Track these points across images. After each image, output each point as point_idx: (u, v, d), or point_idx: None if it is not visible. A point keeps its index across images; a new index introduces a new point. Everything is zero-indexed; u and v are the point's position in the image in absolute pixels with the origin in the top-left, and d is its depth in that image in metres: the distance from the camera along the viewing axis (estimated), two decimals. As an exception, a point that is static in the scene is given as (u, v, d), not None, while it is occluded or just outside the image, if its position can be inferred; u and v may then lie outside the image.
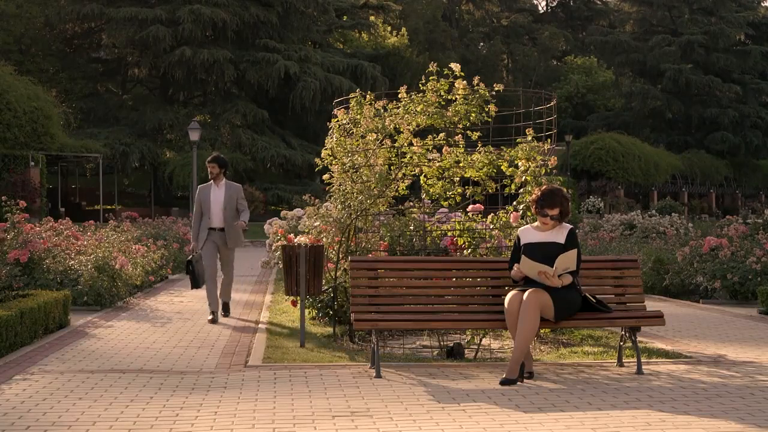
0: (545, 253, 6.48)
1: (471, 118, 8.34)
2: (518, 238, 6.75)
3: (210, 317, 9.90)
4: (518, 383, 6.17)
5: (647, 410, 5.38)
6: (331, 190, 8.88)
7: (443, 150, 8.62)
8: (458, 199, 8.77)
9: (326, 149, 8.87)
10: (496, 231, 8.40)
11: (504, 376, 6.20)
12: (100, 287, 10.73)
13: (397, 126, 8.48)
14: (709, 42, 58.12)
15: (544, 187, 6.88)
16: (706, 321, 10.04)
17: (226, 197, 10.14)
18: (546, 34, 67.91)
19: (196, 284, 9.94)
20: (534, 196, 6.80)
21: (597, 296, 6.83)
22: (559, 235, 6.60)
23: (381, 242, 8.70)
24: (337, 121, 8.79)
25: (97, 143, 39.51)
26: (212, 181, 10.33)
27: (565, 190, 6.98)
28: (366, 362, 7.05)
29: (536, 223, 6.76)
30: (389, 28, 59.19)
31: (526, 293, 6.33)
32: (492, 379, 6.34)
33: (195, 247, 10.11)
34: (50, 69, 47.98)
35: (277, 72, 45.43)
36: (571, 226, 6.72)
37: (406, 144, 8.63)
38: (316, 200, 10.11)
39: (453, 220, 9.22)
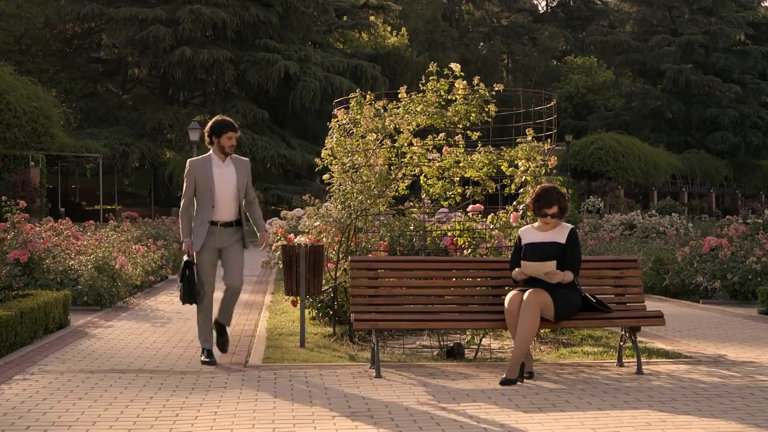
0: (546, 253, 6.49)
1: (471, 118, 8.34)
2: (519, 239, 6.75)
3: (204, 357, 7.07)
4: (518, 383, 6.17)
5: (647, 410, 5.38)
6: (331, 190, 8.87)
7: (443, 150, 8.62)
8: (458, 199, 8.77)
9: (326, 149, 8.86)
10: (496, 231, 8.40)
11: (504, 376, 6.20)
12: (100, 287, 10.73)
13: (397, 126, 8.48)
14: (709, 42, 58.14)
15: (538, 187, 6.87)
16: (706, 321, 10.04)
17: (239, 178, 7.14)
18: (546, 34, 67.94)
19: (191, 297, 7.05)
20: (530, 197, 6.80)
21: (597, 296, 6.84)
22: (560, 235, 6.60)
23: (381, 242, 8.70)
24: (337, 121, 8.79)
25: (97, 143, 39.51)
26: (211, 153, 7.19)
27: (564, 190, 6.98)
28: (366, 362, 7.05)
29: (537, 223, 6.76)
30: (389, 28, 59.18)
31: (527, 293, 6.34)
32: (492, 379, 6.34)
33: (189, 245, 7.05)
34: (50, 69, 47.98)
35: (277, 72, 45.42)
36: (572, 226, 6.72)
37: (406, 144, 8.63)
38: (316, 200, 10.10)
39: (453, 220, 9.22)
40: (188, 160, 7.22)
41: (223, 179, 7.06)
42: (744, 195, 59.75)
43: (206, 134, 7.17)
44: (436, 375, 6.53)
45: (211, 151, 7.19)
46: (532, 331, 6.29)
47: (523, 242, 6.67)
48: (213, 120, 7.23)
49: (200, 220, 7.05)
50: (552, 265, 6.41)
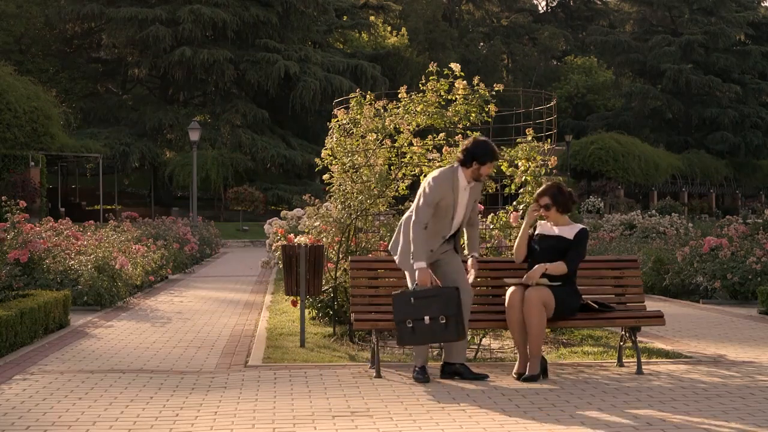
0: (551, 245, 6.53)
1: (471, 118, 8.34)
2: (534, 228, 6.78)
3: (419, 374, 6.30)
4: (539, 380, 6.28)
5: (647, 410, 5.38)
6: (331, 190, 8.87)
7: (443, 150, 8.61)
8: (458, 199, 8.75)
9: (326, 149, 8.87)
10: (496, 231, 8.40)
11: (527, 372, 6.30)
12: (100, 287, 10.73)
13: (397, 126, 8.48)
14: (709, 42, 58.12)
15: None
16: (706, 321, 10.04)
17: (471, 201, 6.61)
18: (546, 34, 67.91)
19: (461, 333, 6.22)
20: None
21: (597, 296, 6.86)
22: (569, 232, 6.63)
23: (381, 242, 8.70)
24: (337, 121, 8.79)
25: (97, 143, 39.48)
26: (459, 170, 6.39)
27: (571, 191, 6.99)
28: (366, 362, 7.05)
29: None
30: (389, 28, 59.16)
31: (528, 290, 6.35)
32: (492, 379, 6.34)
33: (429, 275, 6.20)
34: (50, 69, 47.96)
35: (277, 72, 45.40)
36: (584, 226, 6.74)
37: (406, 144, 8.63)
38: (316, 200, 10.09)
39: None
40: (440, 172, 6.39)
41: (463, 204, 6.41)
42: (744, 195, 59.69)
43: (465, 153, 6.28)
44: (436, 375, 6.53)
45: (458, 167, 6.34)
46: (541, 326, 6.34)
47: (537, 231, 6.72)
48: (480, 142, 6.36)
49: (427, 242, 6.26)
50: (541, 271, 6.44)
